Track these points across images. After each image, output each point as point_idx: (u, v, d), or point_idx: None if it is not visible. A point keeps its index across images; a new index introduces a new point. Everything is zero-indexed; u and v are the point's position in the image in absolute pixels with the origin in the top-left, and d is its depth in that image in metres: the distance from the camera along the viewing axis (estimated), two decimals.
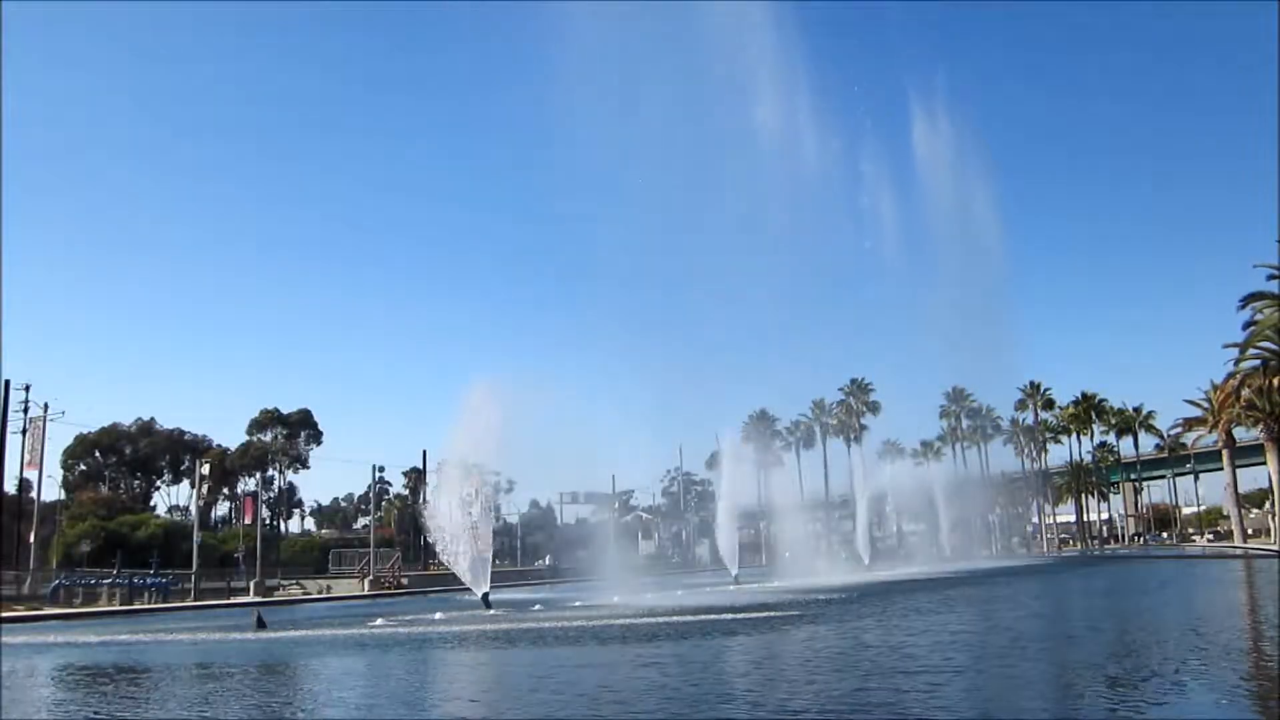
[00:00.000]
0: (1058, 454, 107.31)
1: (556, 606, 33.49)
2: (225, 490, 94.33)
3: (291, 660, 19.99)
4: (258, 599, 47.18)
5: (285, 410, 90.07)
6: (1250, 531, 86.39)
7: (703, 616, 25.82)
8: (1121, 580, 40.46)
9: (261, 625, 27.09)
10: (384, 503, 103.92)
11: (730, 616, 25.59)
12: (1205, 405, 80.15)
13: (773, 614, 25.69)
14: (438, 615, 30.36)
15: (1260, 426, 66.53)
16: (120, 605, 43.38)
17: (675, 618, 25.78)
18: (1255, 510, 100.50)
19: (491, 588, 34.66)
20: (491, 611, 31.09)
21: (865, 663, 15.11)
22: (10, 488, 61.23)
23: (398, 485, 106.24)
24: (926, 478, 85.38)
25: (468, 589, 34.82)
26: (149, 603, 44.91)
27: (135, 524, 66.18)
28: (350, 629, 26.23)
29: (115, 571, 48.30)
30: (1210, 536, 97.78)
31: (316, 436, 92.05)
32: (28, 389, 55.09)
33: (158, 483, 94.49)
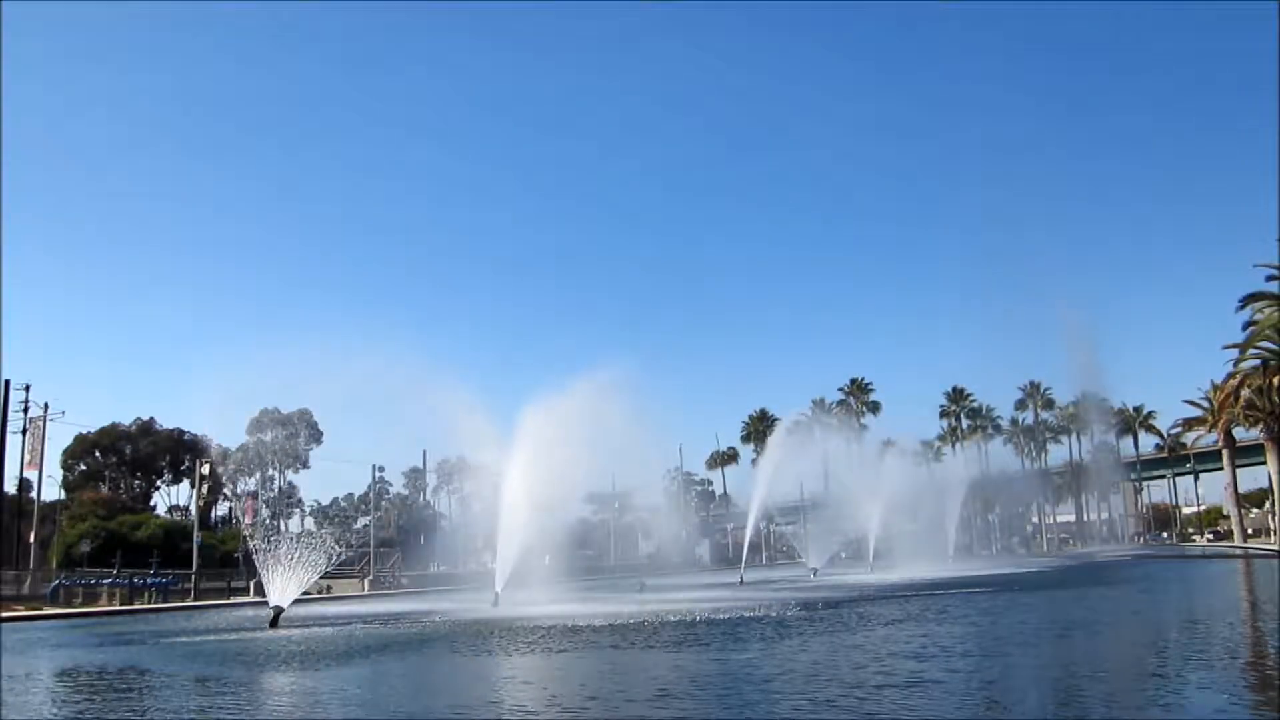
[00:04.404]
0: (1058, 454, 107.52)
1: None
2: (225, 490, 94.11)
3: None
4: (257, 599, 47.09)
5: (285, 410, 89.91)
6: (1250, 531, 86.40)
7: None
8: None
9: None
10: (384, 503, 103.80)
11: None
12: (1205, 405, 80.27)
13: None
14: None
15: (1260, 426, 66.59)
16: (120, 605, 43.32)
17: None
18: (1255, 510, 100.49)
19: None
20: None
21: None
22: (10, 488, 61.27)
23: (398, 485, 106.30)
24: (927, 477, 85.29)
25: (469, 589, 34.64)
26: (149, 603, 44.81)
27: (135, 524, 65.94)
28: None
29: (115, 571, 48.17)
30: (1210, 536, 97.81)
31: (317, 436, 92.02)
32: (28, 389, 55.19)
33: (158, 483, 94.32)
